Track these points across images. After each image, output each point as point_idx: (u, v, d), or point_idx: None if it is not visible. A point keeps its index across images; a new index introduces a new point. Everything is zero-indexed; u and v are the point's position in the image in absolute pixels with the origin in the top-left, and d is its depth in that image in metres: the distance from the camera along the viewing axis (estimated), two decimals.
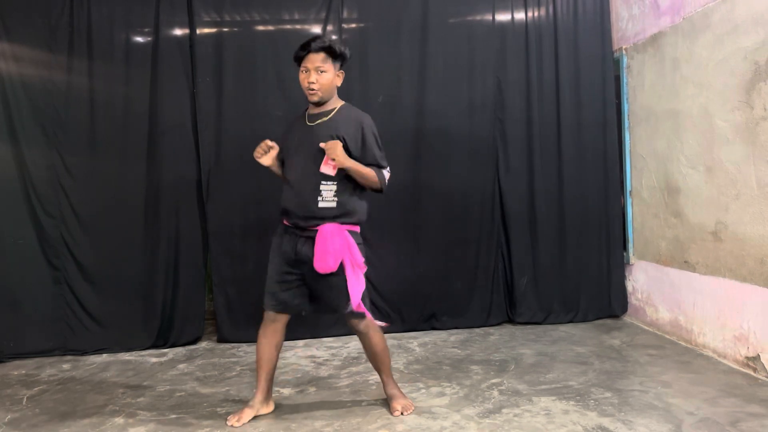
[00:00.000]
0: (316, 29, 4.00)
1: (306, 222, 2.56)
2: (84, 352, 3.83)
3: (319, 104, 2.63)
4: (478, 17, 4.17)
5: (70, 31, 3.86)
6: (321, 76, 2.55)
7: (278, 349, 2.75)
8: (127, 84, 3.91)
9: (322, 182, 2.56)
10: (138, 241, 3.91)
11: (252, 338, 3.93)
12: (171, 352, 3.84)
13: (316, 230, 2.54)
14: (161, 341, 3.93)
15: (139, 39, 3.94)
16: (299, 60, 2.60)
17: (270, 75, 3.99)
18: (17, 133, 3.81)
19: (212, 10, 3.97)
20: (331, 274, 2.52)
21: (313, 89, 2.56)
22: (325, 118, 2.62)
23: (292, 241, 2.61)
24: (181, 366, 3.56)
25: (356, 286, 2.55)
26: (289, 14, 4.04)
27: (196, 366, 3.55)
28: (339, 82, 2.65)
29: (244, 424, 2.64)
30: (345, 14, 4.07)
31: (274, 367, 2.76)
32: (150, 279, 3.93)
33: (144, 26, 3.93)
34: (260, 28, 4.03)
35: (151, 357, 3.77)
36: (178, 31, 3.97)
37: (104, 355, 3.83)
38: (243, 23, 4.01)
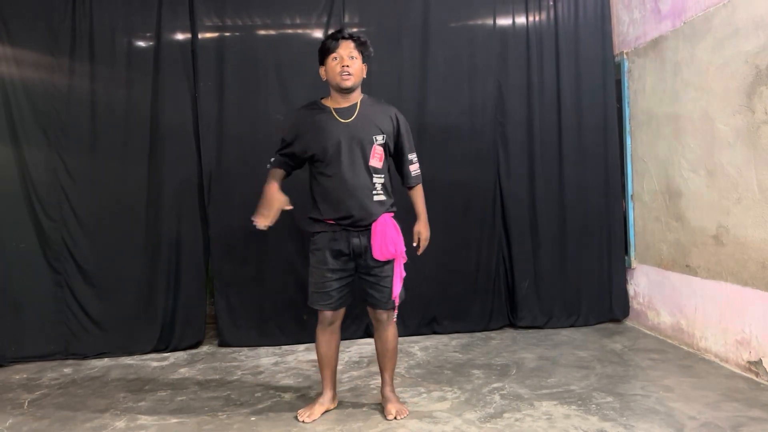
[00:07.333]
0: (318, 34, 4.01)
1: (363, 218, 2.60)
2: (85, 356, 3.84)
3: (349, 92, 2.62)
4: (480, 21, 4.17)
5: (72, 35, 3.87)
6: (353, 62, 2.58)
7: (338, 348, 2.79)
8: (129, 88, 3.92)
9: (374, 176, 2.63)
10: (139, 244, 3.92)
11: (253, 342, 3.97)
12: (172, 356, 3.85)
13: (371, 223, 2.61)
14: (162, 345, 3.93)
15: (141, 43, 3.95)
16: (327, 52, 2.58)
17: (271, 79, 4.00)
18: (19, 136, 3.82)
19: (214, 15, 3.98)
20: (387, 261, 2.63)
21: (349, 72, 2.56)
22: (356, 112, 2.62)
23: (344, 239, 2.62)
24: (183, 370, 3.56)
25: (400, 276, 2.67)
26: (290, 18, 4.05)
27: (197, 370, 3.55)
28: (364, 74, 2.67)
29: (315, 420, 2.67)
30: (346, 18, 4.08)
31: (337, 364, 2.83)
32: (151, 283, 3.93)
33: (146, 30, 3.94)
34: (262, 32, 4.04)
35: (152, 361, 3.77)
36: (179, 36, 3.98)
37: (105, 359, 3.83)
38: (245, 27, 4.02)
